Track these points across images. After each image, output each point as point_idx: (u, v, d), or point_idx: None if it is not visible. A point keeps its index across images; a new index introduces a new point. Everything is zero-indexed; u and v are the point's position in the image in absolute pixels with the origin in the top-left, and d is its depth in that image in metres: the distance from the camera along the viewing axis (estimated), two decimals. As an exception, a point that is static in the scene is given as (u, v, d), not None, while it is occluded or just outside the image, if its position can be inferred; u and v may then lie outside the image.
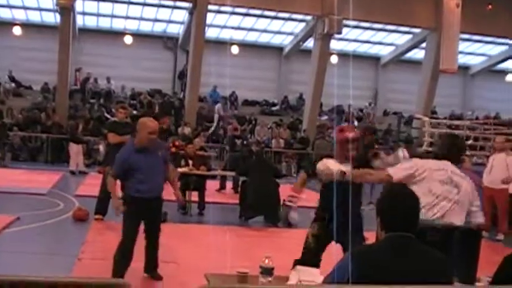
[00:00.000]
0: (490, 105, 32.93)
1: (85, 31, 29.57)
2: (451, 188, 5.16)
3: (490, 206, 12.04)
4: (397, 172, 5.20)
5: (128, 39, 30.07)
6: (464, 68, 33.57)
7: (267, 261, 3.91)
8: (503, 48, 32.24)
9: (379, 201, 3.35)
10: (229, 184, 16.62)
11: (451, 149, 5.63)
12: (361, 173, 5.42)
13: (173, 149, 20.36)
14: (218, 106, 28.26)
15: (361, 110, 32.34)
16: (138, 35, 30.25)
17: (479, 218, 5.34)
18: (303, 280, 3.91)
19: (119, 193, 6.95)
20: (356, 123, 28.83)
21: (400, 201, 3.25)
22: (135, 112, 27.21)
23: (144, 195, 6.69)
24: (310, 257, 5.52)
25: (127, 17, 29.56)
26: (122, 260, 6.49)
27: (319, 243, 5.78)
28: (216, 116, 27.76)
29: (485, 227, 11.68)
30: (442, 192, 5.09)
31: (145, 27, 30.57)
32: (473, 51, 33.12)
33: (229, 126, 26.20)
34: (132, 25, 30.26)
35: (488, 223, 12.06)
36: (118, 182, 6.86)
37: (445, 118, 29.62)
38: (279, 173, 13.50)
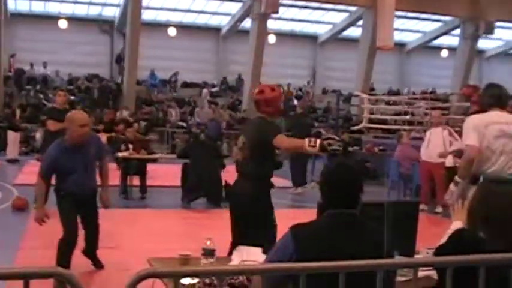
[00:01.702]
0: (426, 81, 33.49)
1: (17, 16, 28.93)
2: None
3: (428, 180, 12.28)
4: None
5: (63, 24, 29.55)
6: (401, 45, 34.02)
7: (208, 242, 3.91)
8: (438, 24, 32.74)
9: (320, 178, 3.37)
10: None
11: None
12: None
13: (113, 134, 20.24)
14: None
15: (300, 89, 32.52)
16: (73, 19, 29.73)
17: None
18: (246, 260, 3.92)
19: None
20: (296, 102, 28.97)
21: (338, 177, 3.27)
22: (73, 98, 26.85)
23: (77, 195, 6.36)
24: None
25: (61, 1, 29.01)
26: (67, 249, 6.36)
27: None
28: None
29: (424, 200, 11.95)
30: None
31: (80, 10, 30.02)
32: (409, 28, 33.55)
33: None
34: (66, 9, 29.68)
35: (427, 196, 12.32)
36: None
37: (383, 94, 30.04)
38: (220, 154, 13.52)
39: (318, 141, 4.95)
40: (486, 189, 3.53)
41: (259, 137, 5.34)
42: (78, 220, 6.56)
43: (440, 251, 3.38)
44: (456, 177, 5.84)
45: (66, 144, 6.33)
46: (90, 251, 6.95)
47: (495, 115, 5.74)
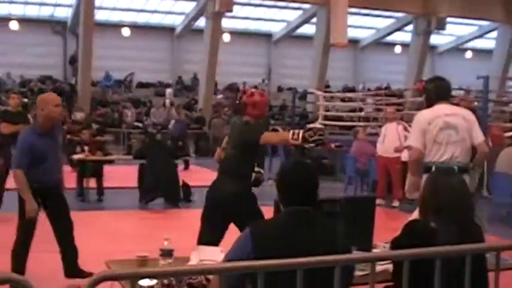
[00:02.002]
0: (380, 77, 33.80)
1: (-34, 18, 28.45)
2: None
3: (385, 174, 12.41)
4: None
5: (14, 25, 29.12)
6: (355, 42, 34.26)
7: (166, 243, 3.89)
8: (391, 21, 33.09)
9: (276, 176, 3.38)
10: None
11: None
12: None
13: (68, 136, 20.00)
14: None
15: (256, 87, 32.51)
16: (24, 20, 29.29)
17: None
18: (204, 260, 3.91)
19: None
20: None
21: (294, 175, 3.29)
22: (26, 100, 26.46)
23: (45, 185, 6.14)
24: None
25: (11, 2, 28.55)
26: (22, 252, 6.23)
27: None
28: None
29: (381, 195, 12.08)
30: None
31: (32, 11, 29.59)
32: (362, 25, 33.82)
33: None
34: (17, 10, 29.23)
35: (383, 191, 12.46)
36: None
37: (338, 91, 30.22)
38: (176, 154, 13.48)
39: (301, 133, 5.19)
40: (435, 180, 3.61)
41: (246, 138, 5.78)
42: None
43: (394, 244, 3.44)
44: (410, 175, 6.09)
45: (38, 130, 6.18)
46: (72, 262, 6.65)
47: (440, 108, 5.99)
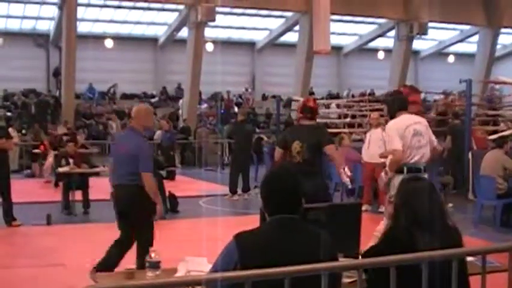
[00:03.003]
0: (364, 83, 33.88)
1: None
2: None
3: (370, 180, 12.44)
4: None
5: (-4, 39, 28.98)
6: (338, 48, 34.34)
7: (153, 255, 3.88)
8: (373, 27, 33.21)
9: (261, 185, 3.38)
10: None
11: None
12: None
13: (42, 148, 19.98)
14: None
15: (240, 96, 32.58)
16: (6, 34, 29.10)
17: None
18: (191, 270, 3.91)
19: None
20: (236, 109, 29.02)
21: (277, 183, 3.29)
22: (9, 114, 26.35)
23: None
24: None
25: (-7, 16, 28.45)
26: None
27: None
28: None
29: (367, 201, 12.12)
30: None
31: (14, 25, 29.45)
32: (345, 32, 33.92)
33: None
34: (-2, 24, 29.14)
35: (369, 196, 12.50)
36: None
37: (322, 98, 30.27)
38: (161, 165, 13.45)
39: None
40: (406, 188, 3.71)
41: (322, 140, 7.14)
42: None
43: (372, 253, 3.48)
44: (386, 169, 7.18)
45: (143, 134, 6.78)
46: None
47: (406, 119, 7.18)
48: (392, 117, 7.27)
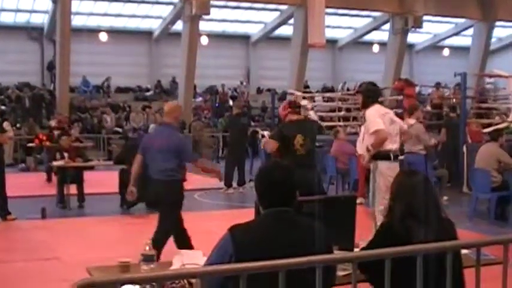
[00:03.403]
0: (359, 77, 33.71)
1: None
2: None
3: (365, 173, 12.42)
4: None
5: (-11, 33, 28.88)
6: (332, 42, 34.33)
7: (147, 248, 3.87)
8: (368, 20, 33.19)
9: (255, 178, 3.38)
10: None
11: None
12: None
13: (37, 141, 19.89)
14: None
15: (235, 89, 32.56)
16: (0, 27, 29.05)
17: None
18: (186, 263, 3.90)
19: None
20: (231, 102, 28.99)
21: (271, 176, 3.29)
22: (3, 107, 26.28)
23: None
24: None
25: (-15, 9, 28.35)
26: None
27: None
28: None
29: (362, 194, 12.11)
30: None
31: (7, 18, 29.35)
32: (340, 25, 33.89)
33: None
34: (-9, 17, 29.05)
35: (364, 189, 12.49)
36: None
37: (317, 91, 30.28)
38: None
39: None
40: (400, 183, 3.76)
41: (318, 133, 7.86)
42: None
43: (371, 246, 3.49)
44: (369, 146, 7.44)
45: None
46: None
47: (381, 108, 7.72)
48: (364, 107, 7.68)
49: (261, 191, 3.29)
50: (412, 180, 3.66)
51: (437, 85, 21.40)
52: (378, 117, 7.38)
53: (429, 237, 3.27)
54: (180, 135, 7.03)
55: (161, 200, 6.83)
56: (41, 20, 29.77)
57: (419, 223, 3.46)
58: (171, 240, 5.80)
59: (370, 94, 7.75)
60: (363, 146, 12.41)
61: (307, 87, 30.86)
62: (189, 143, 7.15)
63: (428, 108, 18.65)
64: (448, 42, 36.96)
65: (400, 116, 10.32)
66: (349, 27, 34.63)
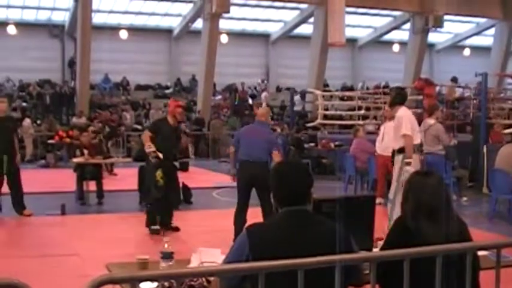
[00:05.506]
0: (379, 75, 33.76)
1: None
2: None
3: (384, 173, 12.37)
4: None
5: (12, 29, 29.10)
6: (352, 41, 34.26)
7: (166, 245, 3.88)
8: (388, 19, 33.08)
9: (271, 177, 3.38)
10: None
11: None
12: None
13: (67, 140, 19.99)
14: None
15: (255, 88, 32.57)
16: (21, 24, 29.29)
17: None
18: (205, 261, 3.91)
19: None
20: (250, 100, 29.01)
21: (285, 176, 3.29)
22: (24, 104, 26.48)
23: None
24: None
25: (8, 6, 28.53)
26: None
27: None
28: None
29: (381, 194, 12.05)
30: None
31: (29, 15, 29.61)
32: (360, 24, 33.80)
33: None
34: (14, 14, 29.24)
35: (383, 189, 12.43)
36: None
37: (336, 90, 30.22)
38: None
39: None
40: (412, 182, 3.73)
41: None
42: None
43: (387, 244, 3.49)
44: (407, 160, 8.22)
45: None
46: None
47: (408, 110, 8.74)
48: (392, 106, 8.95)
49: (277, 189, 3.29)
50: (425, 180, 3.66)
51: (453, 80, 21.17)
52: (409, 121, 8.39)
53: (438, 237, 3.25)
54: (271, 131, 9.38)
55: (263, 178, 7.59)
56: (62, 17, 29.97)
57: (429, 222, 3.45)
58: (189, 238, 5.79)
59: (400, 95, 8.85)
60: (382, 145, 12.43)
61: (326, 85, 30.84)
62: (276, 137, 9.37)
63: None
64: (469, 42, 36.75)
65: (420, 116, 10.49)
66: (369, 27, 34.54)
